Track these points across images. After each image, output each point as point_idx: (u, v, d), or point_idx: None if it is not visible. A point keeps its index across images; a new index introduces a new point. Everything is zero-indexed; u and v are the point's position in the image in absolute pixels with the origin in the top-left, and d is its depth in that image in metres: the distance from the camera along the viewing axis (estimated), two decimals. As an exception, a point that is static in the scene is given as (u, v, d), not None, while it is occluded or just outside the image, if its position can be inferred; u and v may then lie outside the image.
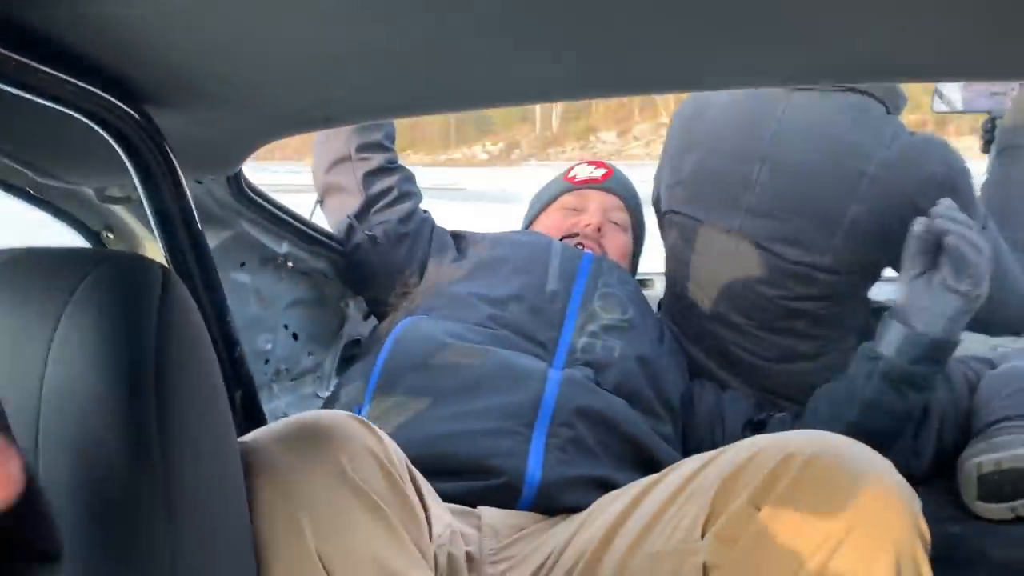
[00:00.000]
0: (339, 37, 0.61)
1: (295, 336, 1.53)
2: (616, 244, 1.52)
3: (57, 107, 0.65)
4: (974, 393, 1.45)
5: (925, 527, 0.69)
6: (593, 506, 0.94)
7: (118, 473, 0.49)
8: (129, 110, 0.73)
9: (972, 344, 1.96)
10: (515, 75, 0.73)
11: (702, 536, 0.75)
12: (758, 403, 1.40)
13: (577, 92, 0.76)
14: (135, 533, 0.50)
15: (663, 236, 1.58)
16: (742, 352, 1.42)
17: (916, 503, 0.69)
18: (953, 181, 1.29)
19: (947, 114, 1.57)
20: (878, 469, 0.70)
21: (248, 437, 0.68)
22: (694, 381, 1.39)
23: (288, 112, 0.84)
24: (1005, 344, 1.94)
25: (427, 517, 0.76)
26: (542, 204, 1.61)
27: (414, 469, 0.77)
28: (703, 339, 1.46)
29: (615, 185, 1.58)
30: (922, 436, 1.38)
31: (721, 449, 0.81)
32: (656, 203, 1.59)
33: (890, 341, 1.20)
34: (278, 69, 0.71)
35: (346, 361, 1.70)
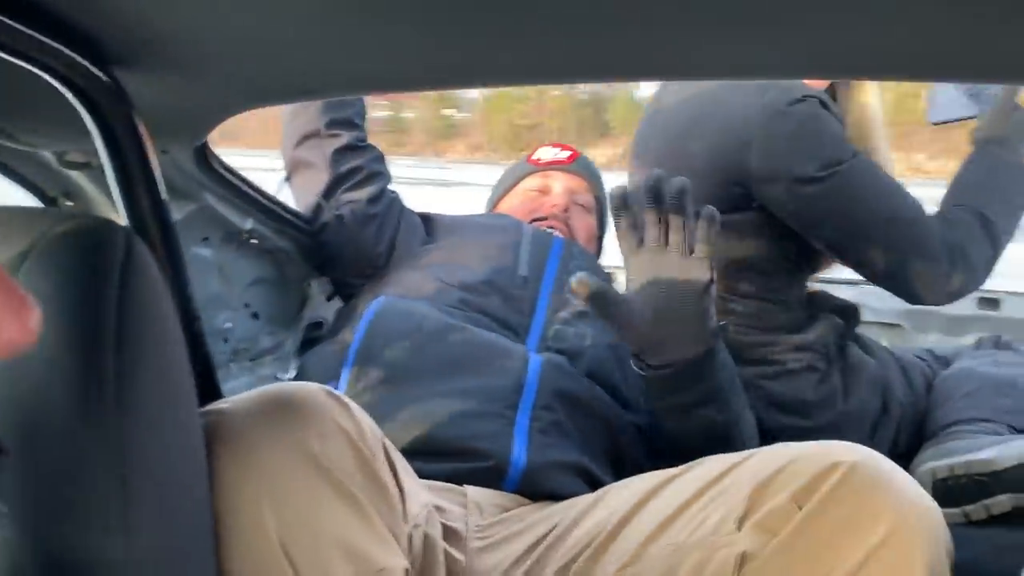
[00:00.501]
0: (319, 5, 0.59)
1: (256, 315, 1.50)
2: (583, 226, 1.52)
3: (19, 63, 0.62)
4: (930, 392, 1.48)
5: (950, 539, 0.71)
6: (598, 494, 0.93)
7: (72, 439, 0.47)
8: (96, 71, 0.70)
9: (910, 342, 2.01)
10: (501, 56, 0.72)
11: (739, 530, 0.74)
12: None
13: (564, 76, 0.75)
14: (88, 501, 0.48)
15: None
16: None
17: (942, 517, 0.71)
18: (781, 111, 1.28)
19: (945, 124, 1.52)
20: (910, 483, 0.72)
21: (215, 406, 0.66)
22: None
23: (262, 82, 0.82)
24: (944, 343, 1.99)
25: (402, 497, 0.74)
26: (506, 186, 1.60)
27: (390, 446, 0.76)
28: None
29: (580, 168, 1.58)
30: (879, 436, 1.40)
31: (750, 452, 0.80)
32: None
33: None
34: (254, 37, 0.68)
35: (307, 343, 1.67)
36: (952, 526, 1.22)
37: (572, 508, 0.92)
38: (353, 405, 0.71)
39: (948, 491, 1.25)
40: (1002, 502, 1.22)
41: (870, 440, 1.39)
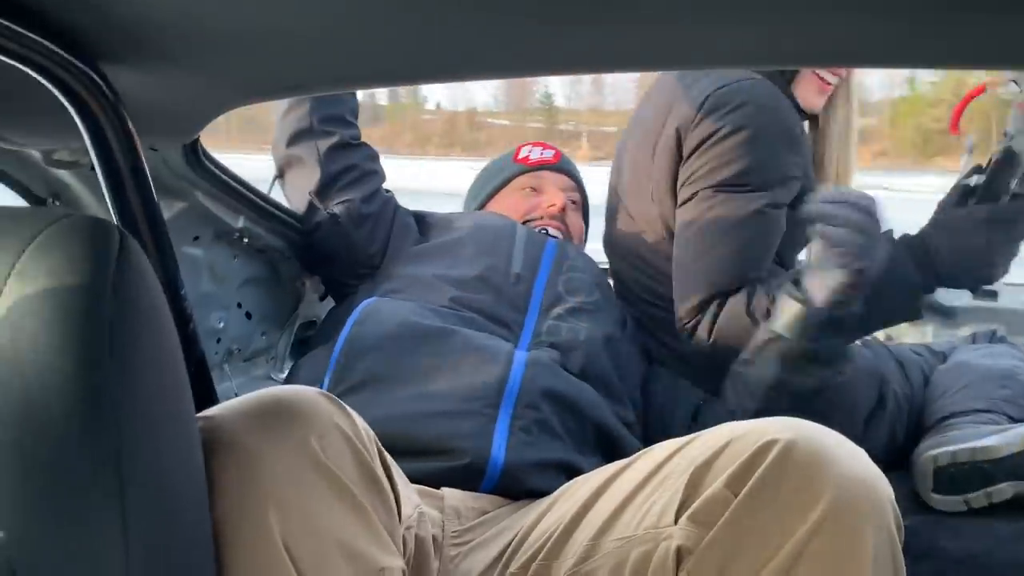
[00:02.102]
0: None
1: (248, 315, 1.48)
2: (576, 223, 1.53)
3: (3, 59, 0.61)
4: (928, 386, 1.47)
5: (899, 513, 0.68)
6: (559, 491, 0.92)
7: (68, 444, 0.46)
8: (83, 67, 0.69)
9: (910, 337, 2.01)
10: (489, 48, 0.70)
11: (675, 521, 0.72)
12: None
13: (550, 67, 0.74)
14: (85, 507, 0.47)
15: None
16: (671, 338, 1.37)
17: (890, 489, 0.68)
18: (711, 106, 1.24)
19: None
20: (854, 455, 0.69)
21: (210, 412, 0.64)
22: (651, 366, 1.38)
23: (255, 77, 0.81)
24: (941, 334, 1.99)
25: (397, 498, 0.73)
26: (495, 186, 1.59)
27: (383, 449, 0.75)
28: (647, 326, 1.45)
29: (567, 165, 1.58)
30: (872, 430, 1.39)
31: (693, 435, 0.79)
32: None
33: (782, 319, 1.11)
34: (246, 30, 0.67)
35: (301, 343, 1.66)
36: (952, 515, 1.23)
37: (539, 506, 0.91)
38: (347, 407, 0.70)
39: (950, 479, 1.25)
40: (1003, 490, 1.22)
41: (862, 434, 1.38)
